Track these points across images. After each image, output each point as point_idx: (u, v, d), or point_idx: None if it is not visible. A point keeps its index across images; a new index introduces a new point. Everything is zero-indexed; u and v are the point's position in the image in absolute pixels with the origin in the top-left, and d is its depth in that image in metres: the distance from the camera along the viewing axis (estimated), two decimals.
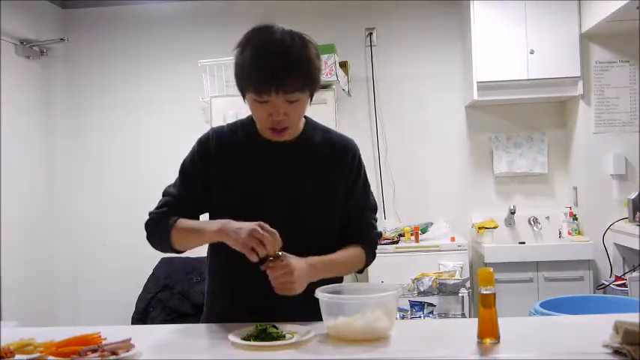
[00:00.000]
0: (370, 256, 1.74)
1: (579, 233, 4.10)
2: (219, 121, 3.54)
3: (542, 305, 2.61)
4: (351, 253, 1.69)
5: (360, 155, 1.75)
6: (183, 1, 4.51)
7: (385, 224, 4.25)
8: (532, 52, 3.96)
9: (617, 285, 3.53)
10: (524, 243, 4.13)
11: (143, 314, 3.91)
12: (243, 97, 1.61)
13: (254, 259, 1.46)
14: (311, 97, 1.62)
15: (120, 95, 4.57)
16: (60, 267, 4.44)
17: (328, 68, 3.70)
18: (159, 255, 3.13)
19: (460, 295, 3.48)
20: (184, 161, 1.72)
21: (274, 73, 1.50)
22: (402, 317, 3.43)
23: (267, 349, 1.38)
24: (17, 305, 3.79)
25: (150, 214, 1.69)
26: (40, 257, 4.22)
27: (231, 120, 2.02)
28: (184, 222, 1.63)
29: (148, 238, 1.68)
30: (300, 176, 1.67)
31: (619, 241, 3.76)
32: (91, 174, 4.57)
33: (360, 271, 1.80)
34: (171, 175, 1.74)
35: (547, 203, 4.35)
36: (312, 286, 1.51)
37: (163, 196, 1.71)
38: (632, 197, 3.67)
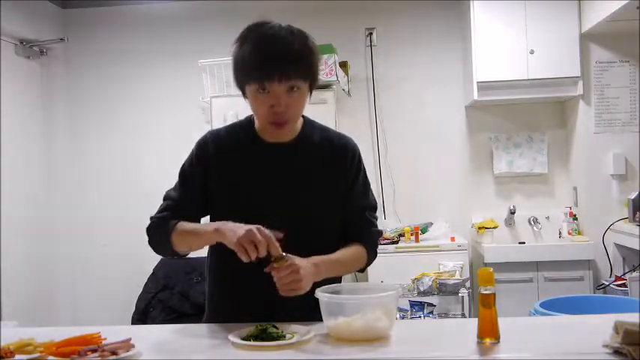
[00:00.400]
0: (371, 255, 1.74)
1: (579, 233, 4.10)
2: (219, 121, 3.55)
3: (542, 305, 2.61)
4: (353, 252, 1.69)
5: (359, 154, 1.74)
6: (183, 1, 4.51)
7: (385, 224, 4.24)
8: (532, 52, 3.96)
9: (617, 285, 3.53)
10: (524, 243, 4.13)
11: (143, 314, 3.92)
12: (243, 93, 1.61)
13: (245, 259, 1.44)
14: (310, 92, 1.62)
15: (120, 95, 4.56)
16: (60, 267, 4.43)
17: (328, 68, 3.69)
18: (159, 255, 3.12)
19: (460, 295, 3.48)
20: (183, 165, 1.72)
21: (277, 59, 1.51)
22: (402, 317, 3.43)
23: (267, 349, 1.38)
24: (17, 305, 3.79)
25: (151, 218, 1.69)
26: (40, 257, 4.22)
27: (231, 120, 2.03)
28: (184, 225, 1.63)
29: (150, 242, 1.68)
30: (299, 176, 1.66)
31: (619, 241, 3.76)
32: (91, 173, 4.57)
33: (362, 270, 1.80)
34: (172, 174, 1.74)
35: (547, 203, 4.35)
36: (312, 287, 1.51)
37: (164, 200, 1.71)
38: (632, 197, 3.67)
